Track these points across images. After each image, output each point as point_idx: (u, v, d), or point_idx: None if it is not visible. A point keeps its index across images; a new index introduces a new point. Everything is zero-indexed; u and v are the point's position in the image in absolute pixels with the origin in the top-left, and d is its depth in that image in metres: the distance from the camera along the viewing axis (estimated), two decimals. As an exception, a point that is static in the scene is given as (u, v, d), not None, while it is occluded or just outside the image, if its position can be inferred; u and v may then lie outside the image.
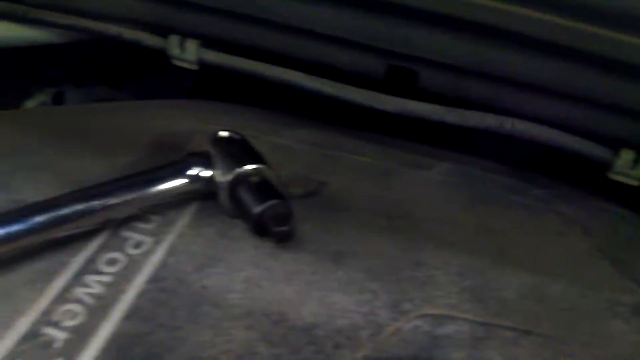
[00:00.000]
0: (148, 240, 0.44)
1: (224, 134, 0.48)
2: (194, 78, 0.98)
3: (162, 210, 0.47)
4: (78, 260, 0.41)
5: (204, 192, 0.47)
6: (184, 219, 0.47)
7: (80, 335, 0.36)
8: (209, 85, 0.89)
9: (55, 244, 0.42)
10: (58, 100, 0.97)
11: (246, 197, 0.44)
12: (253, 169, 0.45)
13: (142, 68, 0.97)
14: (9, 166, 0.51)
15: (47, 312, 0.37)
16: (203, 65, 0.57)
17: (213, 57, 0.57)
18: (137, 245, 0.43)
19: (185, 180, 0.46)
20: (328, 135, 0.62)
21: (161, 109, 0.67)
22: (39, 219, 0.41)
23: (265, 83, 0.63)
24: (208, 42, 0.56)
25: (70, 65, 0.95)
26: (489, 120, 0.50)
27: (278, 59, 0.56)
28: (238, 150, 0.47)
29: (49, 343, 0.35)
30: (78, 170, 0.52)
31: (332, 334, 0.38)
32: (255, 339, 0.37)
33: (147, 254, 0.43)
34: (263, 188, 0.45)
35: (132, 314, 0.38)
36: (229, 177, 0.45)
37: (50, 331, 0.36)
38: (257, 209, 0.42)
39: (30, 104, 0.94)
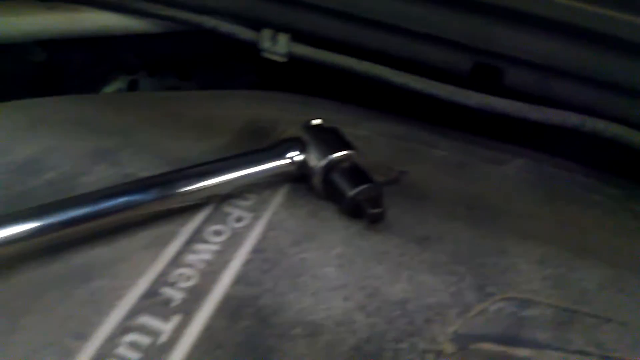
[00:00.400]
0: (247, 215, 0.48)
1: (316, 122, 0.51)
2: (256, 72, 1.03)
3: (258, 190, 0.51)
4: (187, 230, 0.45)
5: (296, 174, 0.51)
6: (277, 199, 0.50)
7: (195, 296, 0.40)
8: (273, 79, 0.92)
9: (165, 215, 0.47)
10: (132, 87, 1.03)
11: (339, 181, 0.47)
12: (345, 154, 0.49)
13: (209, 61, 1.02)
14: (117, 144, 0.56)
15: (163, 274, 0.41)
16: (292, 58, 0.61)
17: (302, 50, 0.60)
18: (238, 219, 0.47)
19: (281, 163, 0.49)
20: (405, 128, 0.64)
21: (245, 99, 0.71)
22: (154, 191, 0.45)
23: (335, 77, 0.66)
24: (298, 36, 0.60)
25: (145, 56, 1.00)
26: (572, 119, 0.51)
27: (364, 53, 0.58)
28: (330, 137, 0.50)
29: (167, 301, 0.39)
30: (178, 150, 0.56)
31: (423, 309, 0.40)
32: (352, 308, 0.40)
33: (247, 228, 0.46)
34: (355, 173, 0.47)
35: (240, 280, 0.41)
36: (323, 162, 0.48)
37: (168, 291, 0.40)
38: (351, 191, 0.45)
39: (108, 89, 1.00)
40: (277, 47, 0.59)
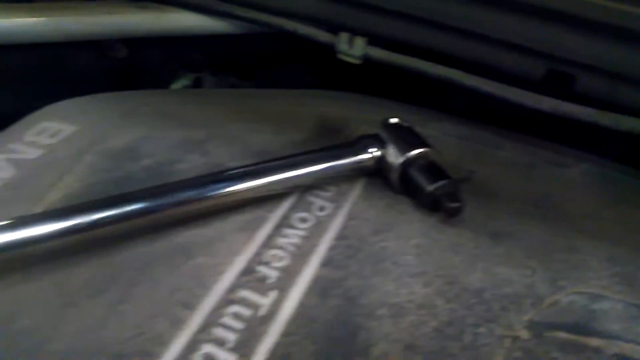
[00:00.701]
0: (329, 205, 0.51)
1: (393, 120, 0.55)
2: (314, 74, 1.06)
3: (336, 183, 0.54)
4: (275, 216, 0.49)
5: (373, 169, 0.54)
6: (356, 191, 0.53)
7: (288, 275, 0.43)
8: (331, 80, 0.95)
9: (254, 202, 0.50)
10: (197, 84, 1.08)
11: (417, 176, 0.50)
12: (422, 152, 0.52)
13: (268, 62, 1.06)
14: (204, 135, 0.60)
15: (258, 254, 0.45)
16: (367, 60, 0.64)
17: (377, 53, 0.63)
18: (321, 209, 0.51)
19: (361, 158, 0.53)
20: (471, 130, 0.67)
21: (317, 97, 0.74)
22: (247, 180, 0.49)
23: (396, 78, 0.69)
24: (374, 39, 0.63)
25: (209, 55, 1.05)
26: (643, 126, 0.53)
27: (435, 56, 0.61)
28: (407, 135, 0.53)
29: (263, 278, 0.43)
30: (259, 143, 0.60)
31: (499, 298, 0.43)
32: (432, 293, 0.43)
33: (330, 217, 0.50)
34: (432, 169, 0.50)
35: (327, 263, 0.45)
36: (401, 158, 0.51)
37: (263, 269, 0.44)
38: (430, 186, 0.48)
39: (175, 85, 1.05)
40: (354, 50, 0.63)
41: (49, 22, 0.71)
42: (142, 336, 0.38)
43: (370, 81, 0.77)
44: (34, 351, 0.37)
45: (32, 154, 0.56)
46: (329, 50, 0.66)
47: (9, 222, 0.42)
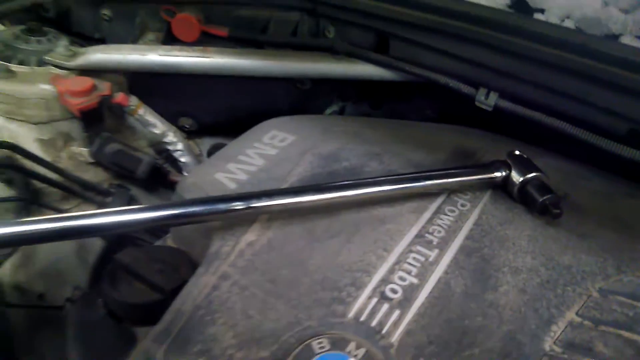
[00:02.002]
0: (467, 204, 0.76)
1: (517, 152, 0.79)
2: (435, 110, 1.30)
3: (474, 190, 0.79)
4: (434, 206, 0.75)
5: (500, 184, 0.78)
6: (486, 197, 0.78)
7: (445, 241, 0.68)
8: (449, 116, 1.19)
9: (418, 195, 0.76)
10: (341, 111, 1.36)
11: (532, 191, 0.74)
12: (535, 175, 0.75)
13: (397, 97, 1.31)
14: (380, 150, 0.87)
15: (424, 227, 0.70)
16: (497, 108, 0.88)
17: (506, 104, 0.87)
18: (463, 205, 0.75)
19: (493, 175, 0.77)
20: (567, 164, 0.89)
21: (451, 131, 0.99)
22: (416, 182, 0.75)
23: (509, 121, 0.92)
24: (504, 94, 0.87)
25: (356, 89, 1.32)
26: None
27: (544, 109, 0.84)
28: (525, 163, 0.77)
29: (430, 241, 0.68)
30: (418, 159, 0.85)
31: (581, 272, 0.65)
32: (537, 264, 0.66)
33: (469, 211, 0.74)
34: (542, 187, 0.74)
35: (468, 238, 0.69)
36: (521, 178, 0.75)
37: (429, 236, 0.69)
38: (541, 198, 0.72)
39: (329, 111, 1.33)
40: (488, 100, 0.87)
41: (269, 63, 1.02)
42: (360, 263, 0.65)
43: (478, 119, 1.01)
44: (296, 265, 0.65)
45: (271, 151, 0.85)
46: (459, 96, 0.91)
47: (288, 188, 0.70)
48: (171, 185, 1.14)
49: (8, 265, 0.92)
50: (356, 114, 1.35)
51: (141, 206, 0.65)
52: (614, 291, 0.64)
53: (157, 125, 1.02)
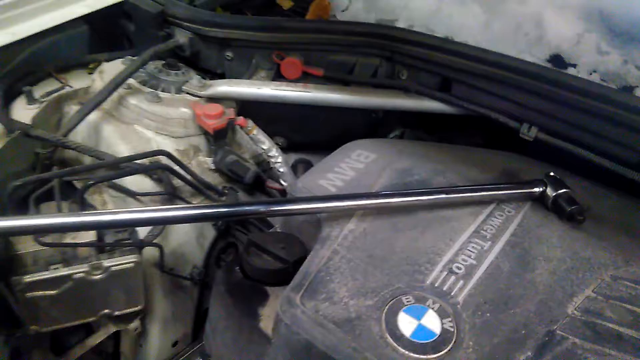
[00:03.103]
0: (512, 210, 0.98)
1: (552, 174, 1.01)
2: (483, 137, 1.52)
3: (517, 202, 1.01)
4: (486, 211, 0.97)
5: (538, 197, 1.00)
6: (526, 206, 0.99)
7: (495, 236, 0.90)
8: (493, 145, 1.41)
9: (474, 202, 0.99)
10: (401, 136, 1.60)
11: (563, 203, 0.95)
12: (565, 191, 0.97)
13: (450, 125, 1.53)
14: (443, 168, 1.10)
15: (479, 226, 0.93)
16: (536, 140, 1.11)
17: (545, 137, 1.09)
18: (509, 211, 0.97)
19: (533, 190, 0.99)
20: (590, 184, 1.10)
21: (497, 154, 1.22)
22: (471, 192, 0.98)
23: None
24: (542, 128, 1.10)
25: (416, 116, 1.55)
26: None
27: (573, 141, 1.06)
28: (557, 181, 0.99)
29: (484, 236, 0.91)
30: (474, 176, 1.08)
31: (597, 263, 0.87)
32: (565, 255, 0.88)
33: (513, 216, 0.96)
34: (570, 200, 0.96)
35: (513, 235, 0.91)
36: (554, 193, 0.97)
37: (483, 232, 0.92)
38: (569, 208, 0.94)
39: (391, 135, 1.57)
40: (530, 133, 1.10)
41: (353, 98, 1.27)
42: (433, 248, 0.88)
43: (518, 146, 1.23)
44: (386, 247, 0.88)
45: (359, 165, 1.10)
46: (504, 128, 1.14)
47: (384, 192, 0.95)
48: (266, 191, 1.41)
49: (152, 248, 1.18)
50: (413, 139, 1.59)
51: (279, 199, 0.91)
52: (621, 277, 0.85)
53: (265, 143, 1.28)
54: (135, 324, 1.17)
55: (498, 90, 1.14)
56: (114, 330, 1.16)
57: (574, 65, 1.10)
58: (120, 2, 1.41)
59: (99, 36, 1.53)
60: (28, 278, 0.94)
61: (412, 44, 1.20)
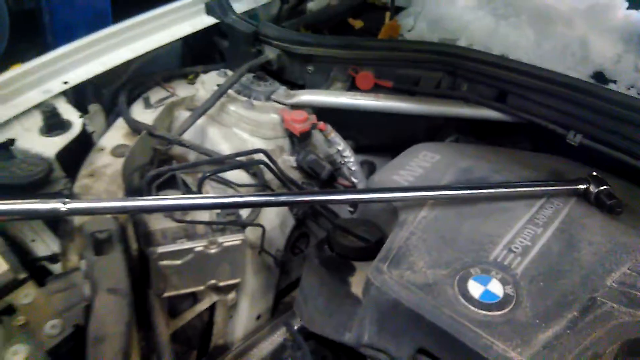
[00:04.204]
0: (561, 204, 1.15)
1: (594, 173, 1.18)
2: (531, 142, 1.69)
3: (564, 195, 1.19)
4: (538, 203, 1.14)
5: (582, 193, 1.18)
6: (572, 200, 1.16)
7: (547, 224, 1.08)
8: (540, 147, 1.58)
9: (526, 197, 1.17)
10: (456, 140, 1.78)
11: (604, 197, 1.13)
12: (606, 187, 1.14)
13: (499, 131, 1.71)
14: (498, 168, 1.28)
15: (533, 215, 1.11)
16: (581, 144, 1.28)
17: (588, 142, 1.27)
18: (557, 204, 1.15)
19: (579, 187, 1.17)
20: (626, 182, 1.27)
21: (545, 158, 1.40)
22: (524, 186, 1.17)
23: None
24: (586, 135, 1.27)
25: (468, 126, 1.73)
26: None
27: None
28: (599, 179, 1.17)
29: (537, 223, 1.09)
30: (526, 175, 1.27)
31: (631, 249, 1.04)
32: (604, 240, 1.05)
33: (562, 208, 1.14)
34: (610, 195, 1.13)
35: (562, 222, 1.09)
36: (596, 189, 1.15)
37: (536, 220, 1.10)
38: (610, 202, 1.11)
39: (447, 140, 1.75)
40: (575, 139, 1.27)
41: (419, 106, 1.47)
42: (494, 232, 1.07)
43: (562, 151, 1.40)
44: (454, 230, 1.08)
45: (426, 164, 1.29)
46: (552, 134, 1.32)
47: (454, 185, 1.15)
48: (335, 187, 1.61)
49: (248, 231, 1.40)
50: (466, 142, 1.77)
51: (365, 189, 1.11)
52: (653, 261, 1.02)
53: (341, 144, 1.49)
54: (232, 295, 1.38)
55: (548, 101, 1.32)
56: (216, 300, 1.38)
57: (615, 82, 1.28)
58: (217, 23, 1.65)
59: (190, 50, 1.78)
60: (161, 249, 1.16)
61: (472, 60, 1.39)
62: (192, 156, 1.47)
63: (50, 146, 1.21)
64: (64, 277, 0.95)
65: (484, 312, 0.91)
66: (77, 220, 1.08)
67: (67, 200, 0.91)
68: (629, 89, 1.25)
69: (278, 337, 1.44)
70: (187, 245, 1.19)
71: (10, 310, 0.90)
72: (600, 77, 1.32)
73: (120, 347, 0.75)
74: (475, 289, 0.95)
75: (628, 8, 1.43)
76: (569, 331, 0.89)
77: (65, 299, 0.90)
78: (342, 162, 1.54)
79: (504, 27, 1.48)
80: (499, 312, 0.91)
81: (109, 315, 0.80)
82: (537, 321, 0.90)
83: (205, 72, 1.62)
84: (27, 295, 0.91)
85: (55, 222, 1.21)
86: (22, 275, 0.95)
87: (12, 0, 3.76)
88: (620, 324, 0.90)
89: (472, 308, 0.92)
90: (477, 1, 1.60)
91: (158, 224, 1.21)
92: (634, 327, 0.90)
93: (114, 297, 0.84)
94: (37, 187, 1.10)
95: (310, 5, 1.89)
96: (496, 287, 0.95)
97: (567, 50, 1.39)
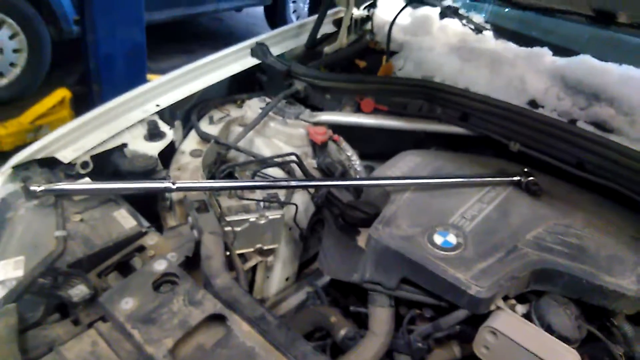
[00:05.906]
0: (501, 190, 1.61)
1: (526, 169, 1.64)
2: (489, 152, 2.15)
3: (504, 184, 1.64)
4: (485, 189, 1.60)
5: (516, 182, 1.63)
6: (509, 187, 1.62)
7: (489, 201, 1.54)
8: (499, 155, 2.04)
9: (477, 185, 1.63)
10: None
11: (531, 185, 1.58)
12: (533, 179, 1.60)
13: (464, 144, 2.16)
14: (459, 165, 1.74)
15: (481, 197, 1.57)
16: (519, 151, 1.74)
17: (524, 149, 1.73)
18: (498, 190, 1.60)
19: (514, 178, 1.62)
20: (550, 178, 1.72)
21: (491, 160, 1.85)
22: (475, 177, 1.62)
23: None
24: (523, 144, 1.73)
25: (444, 140, 2.19)
26: None
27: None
28: (529, 174, 1.62)
29: (483, 201, 1.55)
30: (478, 170, 1.72)
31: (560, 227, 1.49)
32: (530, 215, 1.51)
33: (501, 192, 1.60)
34: (536, 184, 1.58)
35: (500, 201, 1.55)
36: (526, 180, 1.60)
37: (483, 199, 1.56)
38: (534, 187, 1.57)
39: (428, 150, 2.22)
40: (515, 146, 1.73)
41: (406, 124, 1.94)
42: (454, 205, 1.52)
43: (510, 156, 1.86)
44: (427, 204, 1.54)
45: (411, 163, 1.75)
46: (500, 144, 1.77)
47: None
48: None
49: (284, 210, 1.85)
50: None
51: (369, 176, 1.58)
52: (559, 224, 1.47)
53: (349, 151, 1.95)
54: (271, 258, 1.83)
55: (497, 120, 1.78)
56: (259, 261, 1.83)
57: (542, 107, 1.75)
58: (259, 63, 2.14)
59: (237, 82, 2.27)
60: (229, 218, 1.62)
61: (444, 92, 1.86)
62: (241, 159, 1.94)
63: (153, 149, 1.68)
64: (175, 228, 1.41)
65: (443, 252, 1.36)
66: (175, 196, 1.54)
67: (174, 181, 1.38)
68: (552, 112, 1.72)
69: (302, 294, 1.88)
70: (244, 217, 1.65)
71: (142, 248, 1.36)
72: (533, 103, 1.79)
73: (222, 262, 1.20)
74: (438, 239, 1.40)
75: (553, 55, 1.92)
76: (497, 263, 1.34)
77: (178, 241, 1.35)
78: (350, 165, 2.01)
79: (467, 68, 1.96)
80: (453, 253, 1.36)
81: (212, 245, 1.25)
82: (477, 257, 1.35)
83: (249, 98, 2.10)
84: (152, 239, 1.37)
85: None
86: (145, 228, 1.41)
87: (54, 32, 4.25)
88: (532, 260, 1.35)
89: (436, 250, 1.37)
90: (449, 49, 2.08)
91: (225, 202, 1.67)
92: (539, 262, 1.34)
93: (213, 236, 1.29)
94: (149, 174, 1.56)
95: (327, 49, 2.38)
96: (452, 238, 1.40)
97: (510, 84, 1.86)
